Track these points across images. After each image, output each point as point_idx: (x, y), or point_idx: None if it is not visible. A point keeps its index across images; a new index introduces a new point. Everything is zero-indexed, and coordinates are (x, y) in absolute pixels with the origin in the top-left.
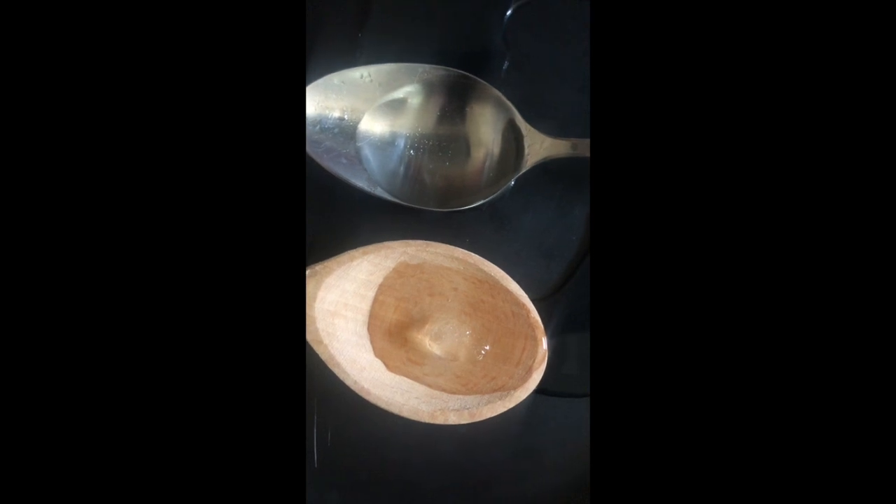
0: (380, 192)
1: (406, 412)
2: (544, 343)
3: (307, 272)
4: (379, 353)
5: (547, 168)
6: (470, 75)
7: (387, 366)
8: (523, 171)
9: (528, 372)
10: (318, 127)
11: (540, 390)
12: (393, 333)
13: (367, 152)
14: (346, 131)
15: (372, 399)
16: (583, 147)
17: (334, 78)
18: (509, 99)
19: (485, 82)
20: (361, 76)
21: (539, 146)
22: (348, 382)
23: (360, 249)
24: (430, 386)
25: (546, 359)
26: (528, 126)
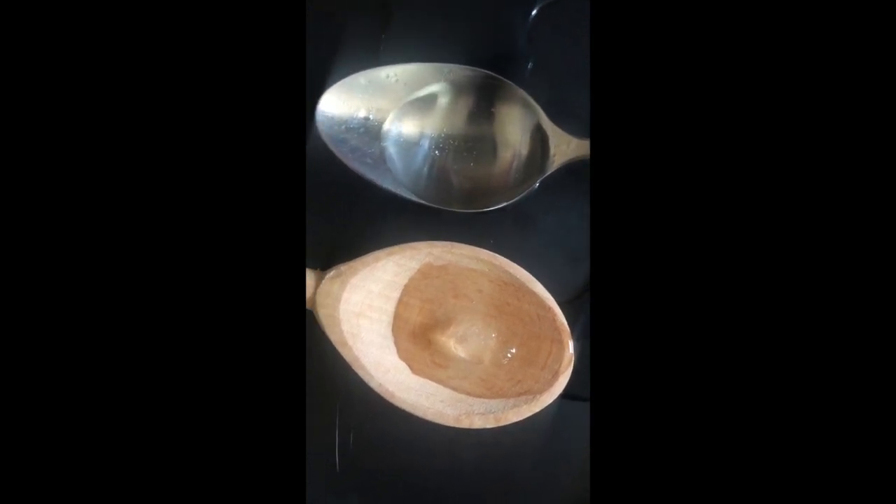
0: (404, 192)
1: (430, 415)
2: (571, 346)
3: (332, 273)
4: (403, 356)
5: (571, 169)
6: (496, 75)
7: (411, 368)
8: (549, 172)
9: (555, 376)
10: (343, 126)
11: (566, 395)
12: (417, 335)
13: (393, 152)
14: (372, 131)
15: (396, 402)
16: None
17: (360, 77)
18: (534, 97)
19: (511, 83)
20: (387, 76)
21: (566, 147)
22: (372, 385)
23: (386, 250)
24: (454, 389)
25: (572, 363)
26: (554, 127)
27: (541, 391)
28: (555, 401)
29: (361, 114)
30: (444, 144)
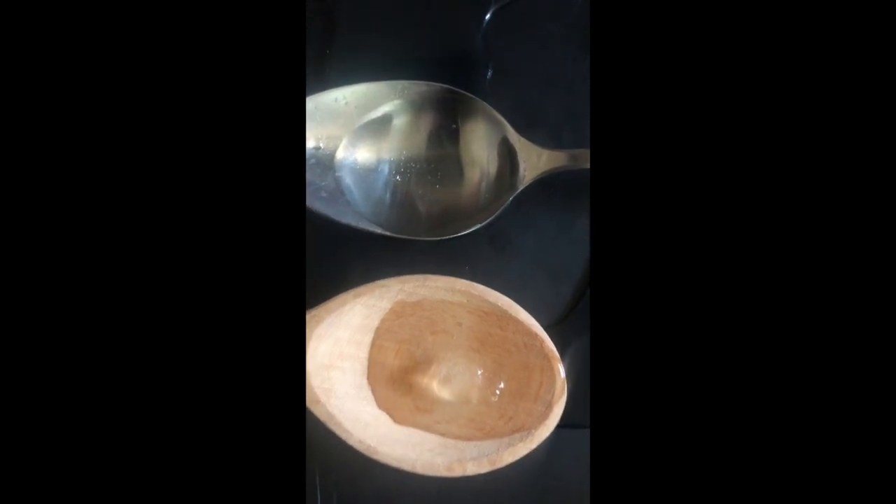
0: (366, 224)
1: (420, 467)
2: (562, 372)
3: None
4: (383, 405)
5: (544, 183)
6: (455, 89)
7: (393, 418)
8: (521, 188)
9: (549, 407)
10: None
11: (563, 424)
12: (396, 380)
13: (349, 182)
14: (324, 161)
15: (380, 458)
16: (582, 158)
17: (306, 103)
18: (496, 110)
19: (471, 95)
20: (336, 99)
21: (536, 160)
22: (352, 442)
23: (352, 292)
24: (443, 435)
25: (566, 390)
26: (522, 139)
27: (535, 425)
28: (552, 432)
29: (311, 143)
30: (406, 168)
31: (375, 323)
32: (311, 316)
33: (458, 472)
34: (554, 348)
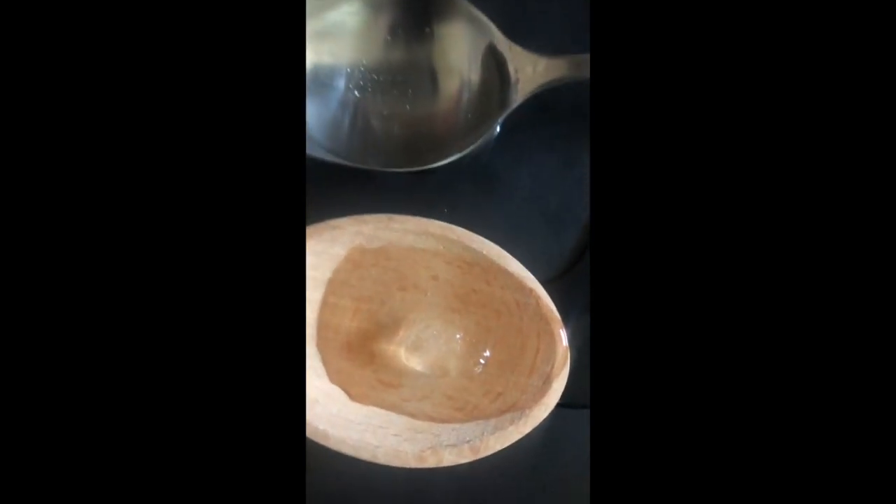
0: (318, 150)
1: (382, 457)
2: (564, 338)
3: None
4: (337, 378)
5: (541, 100)
6: None
7: (349, 394)
8: (513, 107)
9: (547, 381)
10: None
11: (564, 403)
12: (354, 348)
13: None
14: None
15: (332, 444)
16: (588, 66)
17: None
18: (483, 10)
19: None
20: None
21: (531, 71)
22: None
23: None
24: (412, 415)
25: (569, 359)
26: (513, 45)
27: (530, 404)
28: (550, 413)
29: None
30: (366, 81)
31: (326, 275)
32: None
33: (431, 461)
34: (554, 308)
